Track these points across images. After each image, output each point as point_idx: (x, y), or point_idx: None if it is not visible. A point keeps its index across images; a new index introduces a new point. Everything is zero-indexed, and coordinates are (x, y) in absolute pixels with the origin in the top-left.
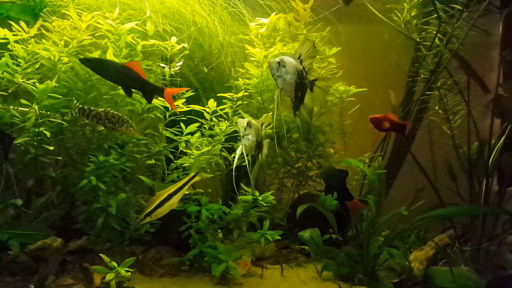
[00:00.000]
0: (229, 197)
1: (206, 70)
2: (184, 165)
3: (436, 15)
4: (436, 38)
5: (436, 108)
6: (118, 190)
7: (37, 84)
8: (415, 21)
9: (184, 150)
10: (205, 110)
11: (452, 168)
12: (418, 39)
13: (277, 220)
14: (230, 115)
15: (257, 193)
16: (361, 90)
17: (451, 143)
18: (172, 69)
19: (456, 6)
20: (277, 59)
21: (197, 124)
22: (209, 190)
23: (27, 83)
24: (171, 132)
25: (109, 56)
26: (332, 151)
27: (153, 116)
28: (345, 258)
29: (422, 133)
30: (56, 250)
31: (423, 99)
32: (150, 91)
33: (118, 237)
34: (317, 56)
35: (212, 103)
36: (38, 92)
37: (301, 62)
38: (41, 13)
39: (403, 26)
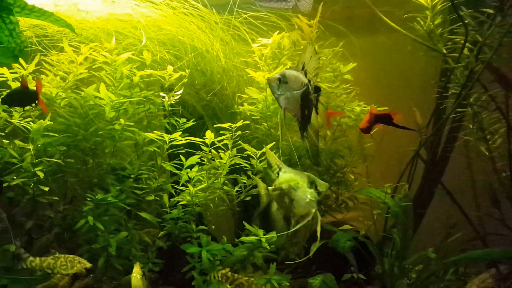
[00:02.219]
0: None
1: (208, 98)
2: (181, 202)
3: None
4: (465, 48)
5: (471, 126)
6: (120, 227)
7: (31, 123)
8: (440, 29)
9: (179, 188)
10: (203, 142)
11: (495, 194)
12: (444, 50)
13: (292, 256)
14: (229, 146)
15: (261, 232)
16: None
17: (492, 166)
18: (171, 98)
19: (487, 10)
20: (277, 75)
21: (197, 157)
22: (213, 227)
23: (22, 123)
24: (173, 166)
25: (102, 90)
26: (353, 177)
27: (152, 150)
28: None
29: (457, 156)
30: None
31: (455, 117)
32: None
33: (123, 275)
34: (332, 74)
35: (209, 134)
36: (32, 132)
37: (305, 73)
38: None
39: (426, 36)
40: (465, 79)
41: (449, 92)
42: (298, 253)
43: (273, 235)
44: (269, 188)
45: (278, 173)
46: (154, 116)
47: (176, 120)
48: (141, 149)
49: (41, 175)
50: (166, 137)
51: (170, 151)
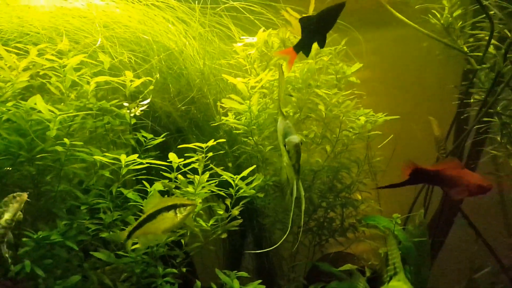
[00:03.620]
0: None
1: (183, 107)
2: (135, 246)
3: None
4: (490, 45)
5: (499, 139)
6: (74, 269)
7: None
8: (460, 23)
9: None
10: (167, 166)
11: None
12: (465, 48)
13: None
14: (200, 171)
15: (236, 283)
16: (392, 118)
17: None
18: (135, 108)
19: None
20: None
21: (160, 184)
22: (183, 269)
23: None
24: (136, 194)
25: (39, 102)
26: (360, 197)
27: (108, 174)
28: None
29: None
30: None
31: (479, 129)
32: None
33: None
34: (334, 76)
35: (173, 156)
36: None
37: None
38: None
39: (443, 31)
40: (491, 83)
41: (472, 99)
42: None
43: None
44: None
45: (390, 277)
46: (116, 131)
47: (143, 136)
48: (96, 173)
49: None
50: (123, 159)
51: (129, 176)
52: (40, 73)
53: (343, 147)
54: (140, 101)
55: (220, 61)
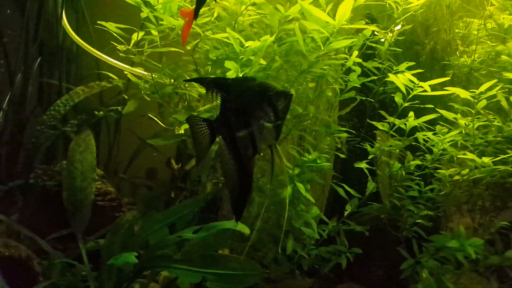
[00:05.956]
0: None
1: (426, 40)
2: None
3: None
4: None
5: None
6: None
7: None
8: None
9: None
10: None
11: None
12: None
13: None
14: None
15: None
16: None
17: None
18: (391, 34)
19: None
20: None
21: (433, 116)
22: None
23: None
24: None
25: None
26: None
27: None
28: None
29: None
30: None
31: None
32: None
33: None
34: None
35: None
36: None
37: None
38: None
39: None
40: None
41: None
42: None
43: None
44: None
45: None
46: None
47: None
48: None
49: None
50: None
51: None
52: None
53: None
54: (394, 26)
55: None
